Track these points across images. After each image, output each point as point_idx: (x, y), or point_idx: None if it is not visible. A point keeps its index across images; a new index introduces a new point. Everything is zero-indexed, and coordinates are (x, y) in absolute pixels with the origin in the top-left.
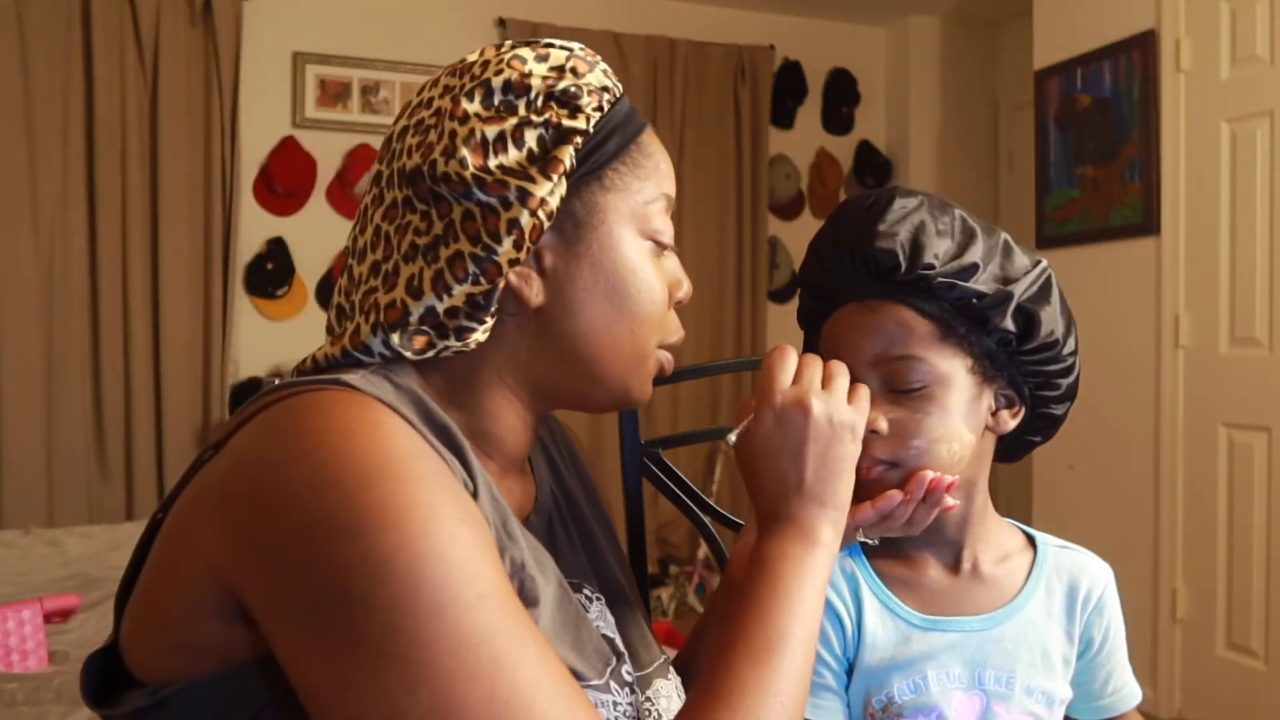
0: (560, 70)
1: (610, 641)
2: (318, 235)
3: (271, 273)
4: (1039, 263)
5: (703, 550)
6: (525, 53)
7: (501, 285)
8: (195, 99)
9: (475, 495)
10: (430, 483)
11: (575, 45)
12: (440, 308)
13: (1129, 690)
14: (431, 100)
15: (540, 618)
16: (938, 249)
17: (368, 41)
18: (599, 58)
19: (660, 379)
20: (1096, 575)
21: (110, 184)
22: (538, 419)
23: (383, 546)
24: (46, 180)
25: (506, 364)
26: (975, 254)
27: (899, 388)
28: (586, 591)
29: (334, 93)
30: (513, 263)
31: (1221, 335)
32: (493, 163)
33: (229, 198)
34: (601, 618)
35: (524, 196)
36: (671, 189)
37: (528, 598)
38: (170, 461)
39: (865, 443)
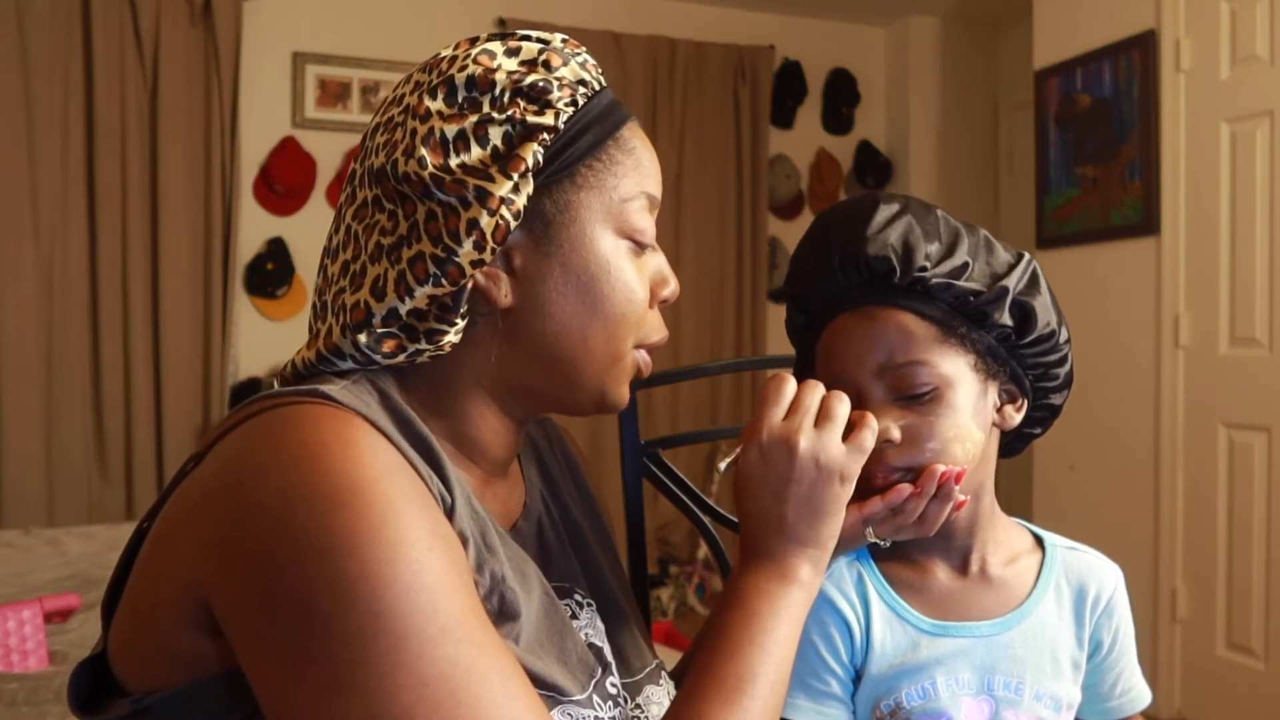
0: (531, 64)
1: (598, 651)
2: (318, 235)
3: (271, 273)
4: (1022, 255)
5: (703, 550)
6: (495, 47)
7: (468, 286)
8: (195, 99)
9: (452, 509)
10: (402, 505)
11: (556, 37)
12: (403, 310)
13: (1138, 692)
14: (402, 97)
15: (522, 630)
16: (928, 250)
17: (368, 41)
18: (581, 49)
19: (637, 381)
20: (1106, 577)
21: (110, 184)
22: (519, 423)
23: (349, 572)
24: (46, 180)
25: (481, 367)
26: (963, 252)
27: (907, 394)
28: (577, 596)
29: (334, 93)
30: (476, 264)
31: (1221, 335)
32: (454, 161)
33: (229, 198)
34: (591, 625)
35: (483, 196)
36: (654, 186)
37: (508, 611)
38: (170, 461)
39: (880, 452)
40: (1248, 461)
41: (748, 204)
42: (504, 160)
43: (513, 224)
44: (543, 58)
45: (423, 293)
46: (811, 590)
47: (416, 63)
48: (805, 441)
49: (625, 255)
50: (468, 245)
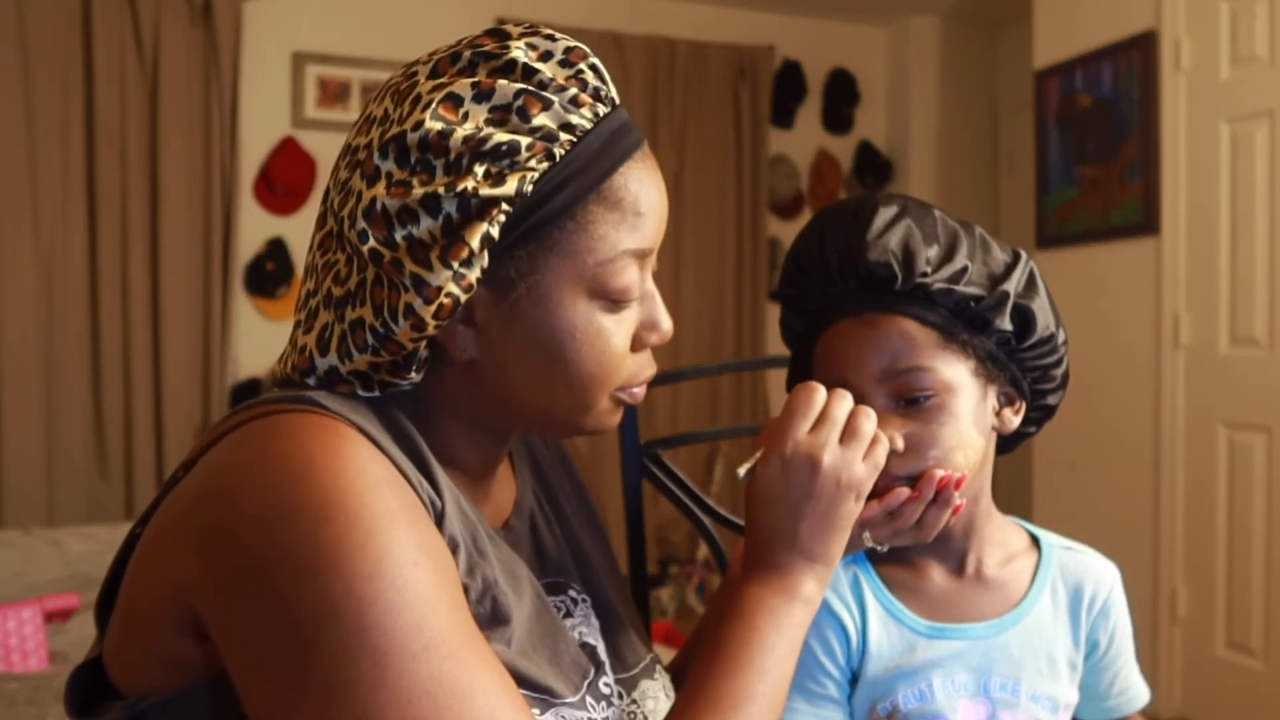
0: (503, 112)
1: (591, 650)
2: None
3: (271, 273)
4: (1018, 255)
5: (703, 550)
6: (464, 89)
7: (417, 350)
8: (195, 99)
9: (442, 514)
10: (387, 520)
11: (558, 48)
12: (342, 370)
13: (1136, 691)
14: (372, 124)
15: (514, 634)
16: (928, 254)
17: (368, 41)
18: (580, 65)
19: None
20: (1102, 577)
21: (110, 184)
22: (502, 441)
23: (333, 589)
24: (46, 180)
25: (451, 400)
26: (963, 255)
27: (909, 400)
28: (571, 593)
29: (334, 93)
30: (418, 338)
31: (1221, 335)
32: (398, 234)
33: (229, 198)
34: (585, 622)
35: (419, 285)
36: (643, 239)
37: (500, 616)
38: (170, 462)
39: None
40: (1248, 461)
41: (748, 204)
42: (451, 237)
43: (462, 298)
44: (519, 103)
45: (362, 358)
46: (814, 607)
47: None
48: (830, 459)
49: (599, 315)
50: (404, 325)
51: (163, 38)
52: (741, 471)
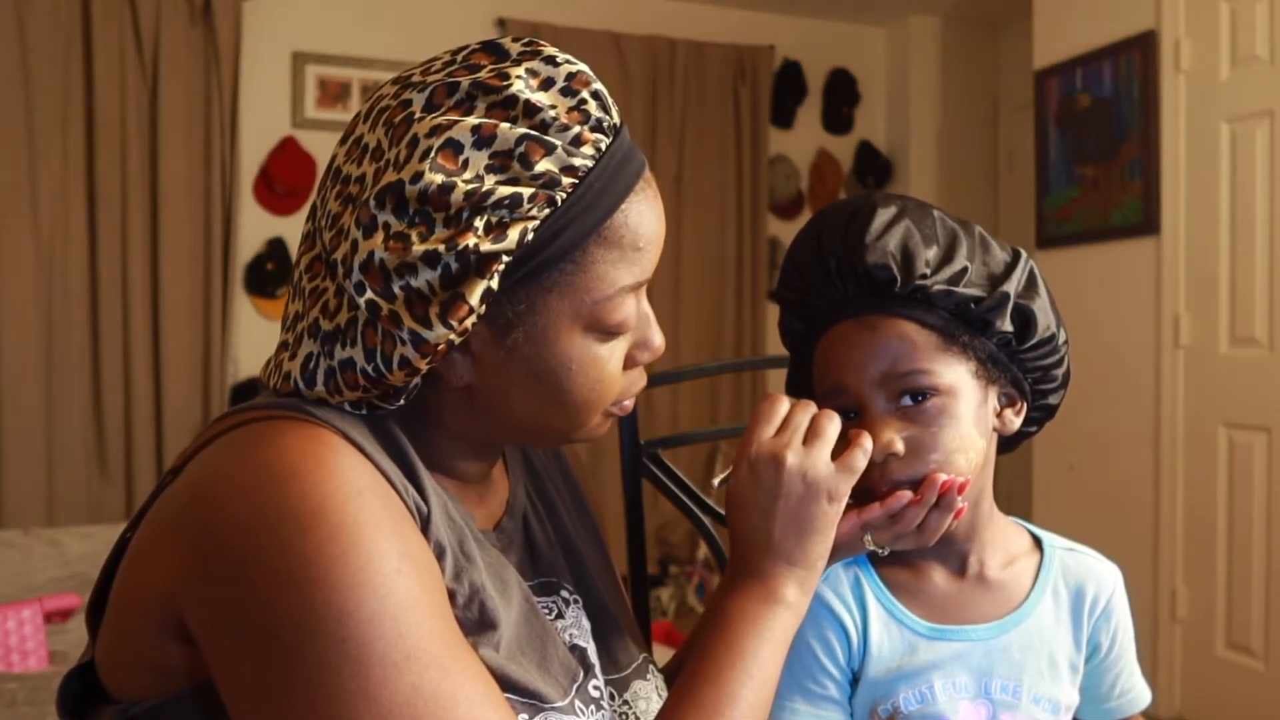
0: (505, 158)
1: (581, 652)
2: None
3: (271, 273)
4: (1018, 254)
5: (703, 550)
6: (464, 133)
7: (411, 383)
8: (195, 99)
9: (428, 519)
10: (370, 528)
11: (546, 104)
12: (331, 402)
13: (1138, 693)
14: (365, 152)
15: (501, 639)
16: (927, 256)
17: (368, 41)
18: (579, 109)
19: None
20: (1104, 579)
21: (110, 183)
22: (494, 451)
23: (314, 599)
24: (46, 179)
25: (444, 418)
26: (962, 256)
27: (908, 404)
28: (563, 593)
29: (334, 93)
30: (409, 379)
31: (1221, 335)
32: (396, 285)
33: (229, 198)
34: (576, 623)
35: (417, 341)
36: (642, 271)
37: (487, 620)
38: (170, 461)
39: (883, 465)
40: (1248, 461)
41: (748, 204)
42: (451, 292)
43: (458, 341)
44: (521, 149)
45: (352, 394)
46: (798, 611)
47: (416, 62)
48: (793, 458)
49: (595, 346)
50: (398, 373)
51: (163, 38)
52: (715, 482)
